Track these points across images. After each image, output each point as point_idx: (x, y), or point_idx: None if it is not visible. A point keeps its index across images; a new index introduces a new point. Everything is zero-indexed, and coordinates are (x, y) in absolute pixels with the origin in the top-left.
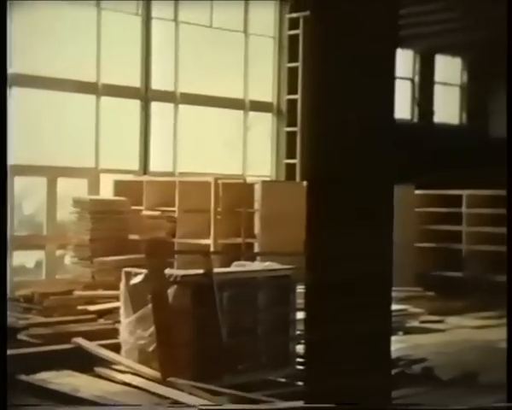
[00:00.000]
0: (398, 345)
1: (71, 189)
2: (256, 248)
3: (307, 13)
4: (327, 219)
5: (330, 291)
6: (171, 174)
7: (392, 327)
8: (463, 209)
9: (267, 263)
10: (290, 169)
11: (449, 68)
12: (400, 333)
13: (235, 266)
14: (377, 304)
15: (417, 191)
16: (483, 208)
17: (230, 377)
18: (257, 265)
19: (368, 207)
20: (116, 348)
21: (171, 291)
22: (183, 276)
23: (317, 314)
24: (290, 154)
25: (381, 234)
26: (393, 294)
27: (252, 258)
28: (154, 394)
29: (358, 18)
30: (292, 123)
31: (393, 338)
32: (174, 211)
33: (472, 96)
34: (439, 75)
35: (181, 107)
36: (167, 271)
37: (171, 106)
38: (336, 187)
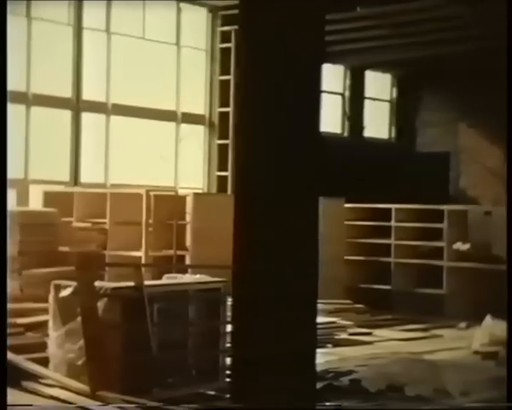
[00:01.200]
0: (327, 357)
1: None
2: (188, 261)
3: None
4: (253, 231)
5: (256, 304)
6: (103, 186)
7: (317, 339)
8: (392, 223)
9: (198, 276)
10: (222, 181)
11: (379, 84)
12: (329, 345)
13: (167, 279)
14: (303, 317)
15: (347, 205)
16: (412, 222)
17: (160, 391)
18: (188, 277)
19: (293, 220)
20: (45, 362)
21: (101, 304)
22: (113, 288)
23: (243, 328)
24: (222, 166)
25: (306, 246)
26: (323, 306)
27: (183, 270)
28: (82, 408)
29: (286, 34)
30: (224, 135)
31: (322, 351)
32: (105, 223)
33: (401, 111)
34: (369, 90)
35: (112, 118)
36: (97, 283)
37: (102, 117)
38: (262, 200)
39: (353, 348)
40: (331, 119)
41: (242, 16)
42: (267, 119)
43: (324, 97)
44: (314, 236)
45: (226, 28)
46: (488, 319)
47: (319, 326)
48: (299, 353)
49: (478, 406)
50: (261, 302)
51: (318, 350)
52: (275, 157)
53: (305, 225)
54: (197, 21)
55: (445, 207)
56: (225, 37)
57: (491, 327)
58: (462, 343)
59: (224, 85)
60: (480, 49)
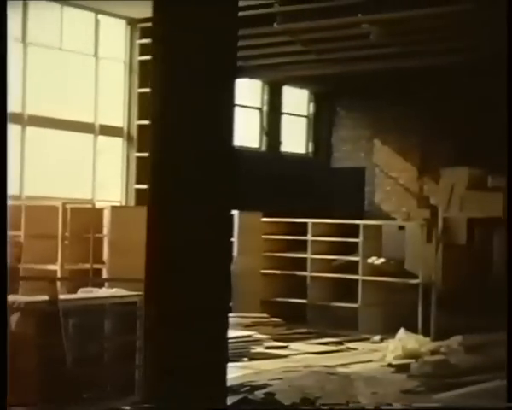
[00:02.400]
0: (243, 371)
1: None
2: (104, 275)
3: None
4: (166, 244)
5: (168, 319)
6: (18, 198)
7: (228, 353)
8: (308, 237)
9: (115, 290)
10: (140, 194)
11: (296, 99)
12: (245, 359)
13: (82, 293)
14: (215, 330)
15: (264, 219)
16: (327, 237)
17: (75, 407)
18: (104, 291)
19: (207, 233)
20: None
21: (14, 318)
22: (27, 303)
23: (155, 341)
24: (140, 179)
25: (219, 259)
26: (239, 320)
27: (99, 284)
28: None
29: (200, 48)
30: (142, 148)
31: (238, 364)
32: (20, 236)
33: (318, 127)
34: (286, 106)
35: (29, 129)
36: (10, 297)
37: (18, 128)
38: (175, 213)
39: (269, 361)
40: (249, 133)
41: (156, 30)
42: (181, 132)
43: (242, 112)
44: (227, 249)
45: (145, 41)
46: (401, 332)
47: (236, 340)
48: (210, 366)
49: (478, 406)
50: (173, 315)
51: (234, 364)
52: (189, 171)
53: (218, 239)
54: (116, 33)
55: (360, 222)
56: (144, 49)
57: (404, 340)
58: (375, 356)
59: (143, 98)
60: (395, 67)
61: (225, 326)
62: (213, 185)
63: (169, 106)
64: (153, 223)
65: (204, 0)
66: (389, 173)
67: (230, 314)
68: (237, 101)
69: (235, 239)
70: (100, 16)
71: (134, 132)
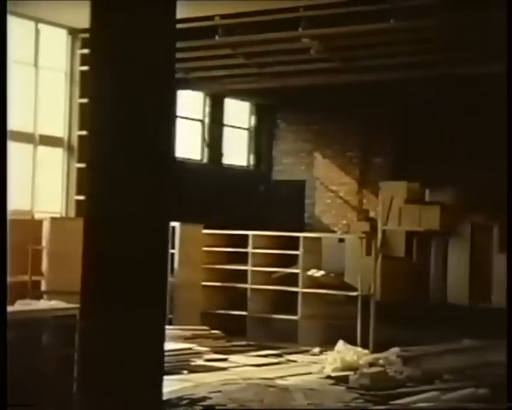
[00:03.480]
0: (182, 384)
1: None
2: (43, 287)
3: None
4: (101, 257)
5: (103, 331)
6: None
7: (164, 366)
8: (249, 249)
9: (53, 302)
10: (80, 206)
11: (238, 112)
12: (185, 372)
13: (20, 305)
14: (151, 343)
15: (205, 231)
16: (268, 249)
17: None
18: (43, 303)
19: (144, 246)
20: None
21: None
22: None
23: (90, 355)
24: (81, 190)
25: (156, 273)
26: (180, 332)
27: (38, 296)
28: None
29: (139, 59)
30: (83, 159)
31: (177, 377)
32: None
33: (259, 139)
34: (228, 118)
35: None
36: None
37: None
38: (112, 225)
39: (209, 374)
40: (190, 145)
41: (94, 39)
42: (119, 144)
43: (184, 124)
44: (165, 261)
45: (86, 51)
46: (340, 344)
47: (175, 353)
48: (145, 379)
49: (478, 406)
50: (109, 327)
51: (174, 377)
52: (128, 182)
53: (156, 250)
54: (57, 43)
55: (301, 235)
56: (85, 59)
57: (342, 352)
58: (314, 368)
59: (84, 108)
60: (335, 82)
61: (162, 338)
62: (153, 197)
63: (107, 116)
64: (89, 234)
65: (142, 10)
66: (329, 186)
67: (170, 327)
68: (179, 112)
69: (176, 251)
70: (40, 25)
71: (75, 143)
